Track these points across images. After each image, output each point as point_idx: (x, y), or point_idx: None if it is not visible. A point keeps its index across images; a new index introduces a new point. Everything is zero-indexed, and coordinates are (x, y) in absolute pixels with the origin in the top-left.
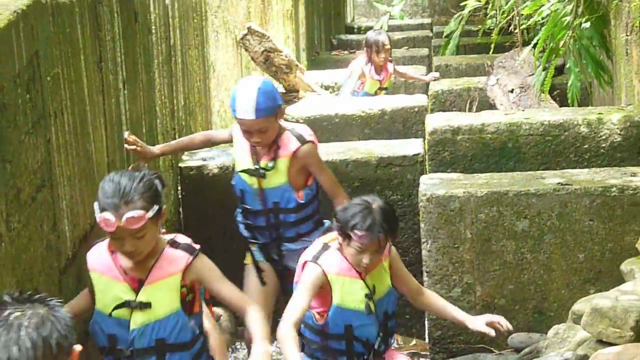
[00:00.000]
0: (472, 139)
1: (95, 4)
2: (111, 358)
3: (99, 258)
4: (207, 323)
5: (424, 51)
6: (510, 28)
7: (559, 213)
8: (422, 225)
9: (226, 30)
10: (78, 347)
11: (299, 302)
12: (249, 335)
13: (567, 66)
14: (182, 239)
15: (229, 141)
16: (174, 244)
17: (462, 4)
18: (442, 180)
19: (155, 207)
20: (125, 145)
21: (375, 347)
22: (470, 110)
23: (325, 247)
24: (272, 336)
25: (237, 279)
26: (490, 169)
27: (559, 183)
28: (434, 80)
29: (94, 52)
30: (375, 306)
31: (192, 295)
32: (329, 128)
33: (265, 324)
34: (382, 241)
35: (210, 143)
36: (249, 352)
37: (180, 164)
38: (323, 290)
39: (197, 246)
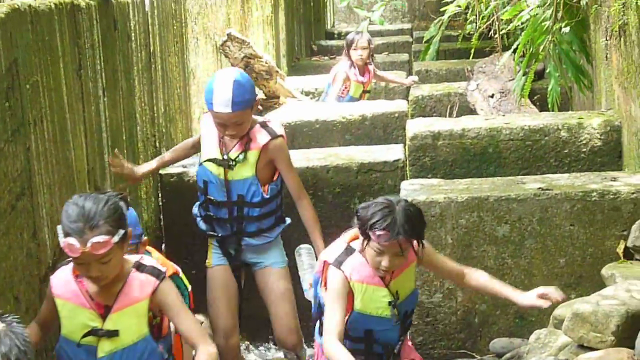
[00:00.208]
0: (453, 144)
1: (74, 12)
2: None
3: (64, 283)
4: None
5: (404, 56)
6: (490, 33)
7: (539, 218)
8: None
9: (206, 36)
10: None
11: (335, 315)
12: None
13: (547, 71)
14: (148, 260)
15: None
16: (139, 267)
17: (442, 9)
18: (423, 185)
19: (121, 232)
20: (111, 168)
21: (395, 350)
22: (450, 115)
23: (349, 250)
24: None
25: None
26: (471, 174)
27: (539, 188)
28: (413, 83)
29: (73, 60)
30: (398, 311)
31: (160, 318)
32: (310, 134)
33: None
34: (403, 244)
35: (194, 149)
36: None
37: (160, 171)
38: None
39: (164, 269)
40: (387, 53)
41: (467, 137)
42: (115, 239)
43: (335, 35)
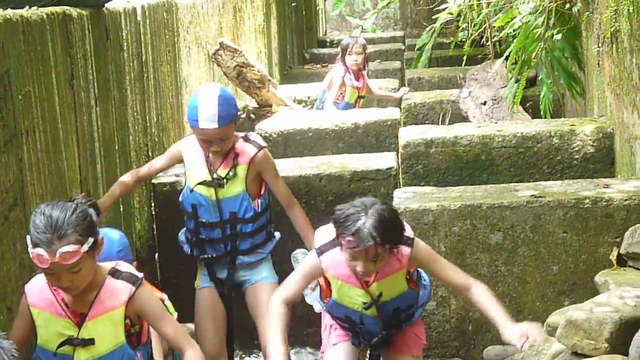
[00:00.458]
0: (445, 152)
1: (67, 21)
2: None
3: (39, 292)
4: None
5: (397, 64)
6: (482, 40)
7: (532, 225)
8: None
9: (198, 45)
10: None
11: (294, 283)
12: None
13: (539, 78)
14: (125, 267)
15: (170, 166)
16: (115, 273)
17: (434, 16)
18: (416, 193)
19: (91, 240)
20: None
21: (373, 341)
22: (443, 122)
23: (336, 242)
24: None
25: None
26: (464, 182)
27: (532, 195)
28: (405, 96)
29: (65, 70)
30: (379, 309)
31: (139, 326)
32: (302, 142)
33: None
34: (375, 250)
35: (143, 180)
36: None
37: (153, 180)
38: (324, 279)
39: (140, 275)
40: (379, 61)
41: (459, 145)
42: (85, 247)
43: (328, 44)
